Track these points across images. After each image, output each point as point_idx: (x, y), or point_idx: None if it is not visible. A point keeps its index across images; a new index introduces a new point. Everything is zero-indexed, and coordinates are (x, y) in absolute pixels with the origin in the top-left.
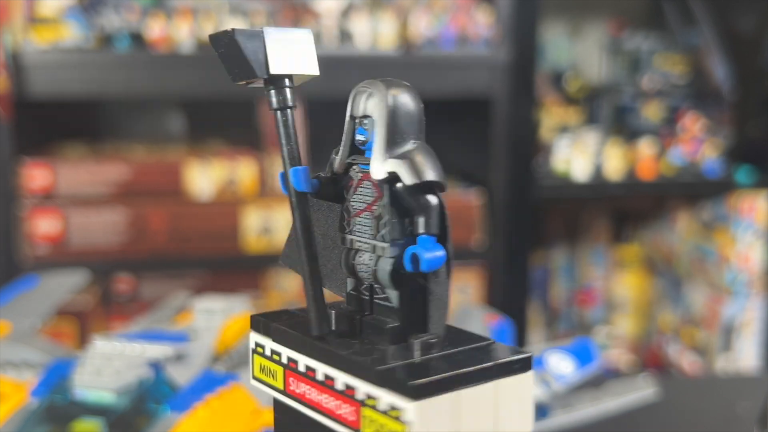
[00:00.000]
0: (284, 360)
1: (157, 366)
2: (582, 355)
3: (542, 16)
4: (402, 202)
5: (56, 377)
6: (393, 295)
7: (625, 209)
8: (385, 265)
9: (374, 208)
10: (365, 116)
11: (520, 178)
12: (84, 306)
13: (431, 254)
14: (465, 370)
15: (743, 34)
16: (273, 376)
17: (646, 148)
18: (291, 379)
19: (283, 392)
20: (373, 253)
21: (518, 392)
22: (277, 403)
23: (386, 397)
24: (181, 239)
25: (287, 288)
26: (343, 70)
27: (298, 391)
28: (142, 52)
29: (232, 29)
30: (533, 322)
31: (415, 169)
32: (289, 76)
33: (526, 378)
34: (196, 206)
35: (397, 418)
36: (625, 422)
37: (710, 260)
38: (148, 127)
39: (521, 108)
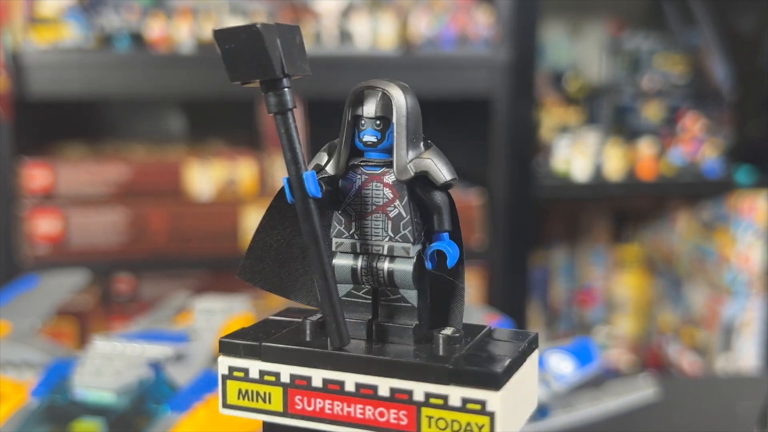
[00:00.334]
0: (285, 379)
1: (157, 366)
2: (582, 355)
3: (542, 16)
4: (420, 202)
5: (56, 377)
6: (412, 294)
7: (625, 209)
8: (407, 266)
9: (389, 209)
10: (379, 117)
11: (520, 178)
12: (84, 306)
13: (455, 250)
14: (516, 353)
15: (743, 34)
16: (265, 400)
17: (646, 148)
18: (297, 397)
19: (283, 414)
20: (385, 255)
21: (534, 367)
22: (270, 428)
23: (459, 393)
24: (181, 239)
25: None
26: (343, 70)
27: (309, 408)
28: (142, 52)
29: (256, 24)
30: (533, 322)
31: (444, 169)
32: (289, 77)
33: (536, 353)
34: (196, 206)
35: (478, 411)
36: (625, 422)
37: (710, 260)
38: (148, 127)
39: (521, 108)
